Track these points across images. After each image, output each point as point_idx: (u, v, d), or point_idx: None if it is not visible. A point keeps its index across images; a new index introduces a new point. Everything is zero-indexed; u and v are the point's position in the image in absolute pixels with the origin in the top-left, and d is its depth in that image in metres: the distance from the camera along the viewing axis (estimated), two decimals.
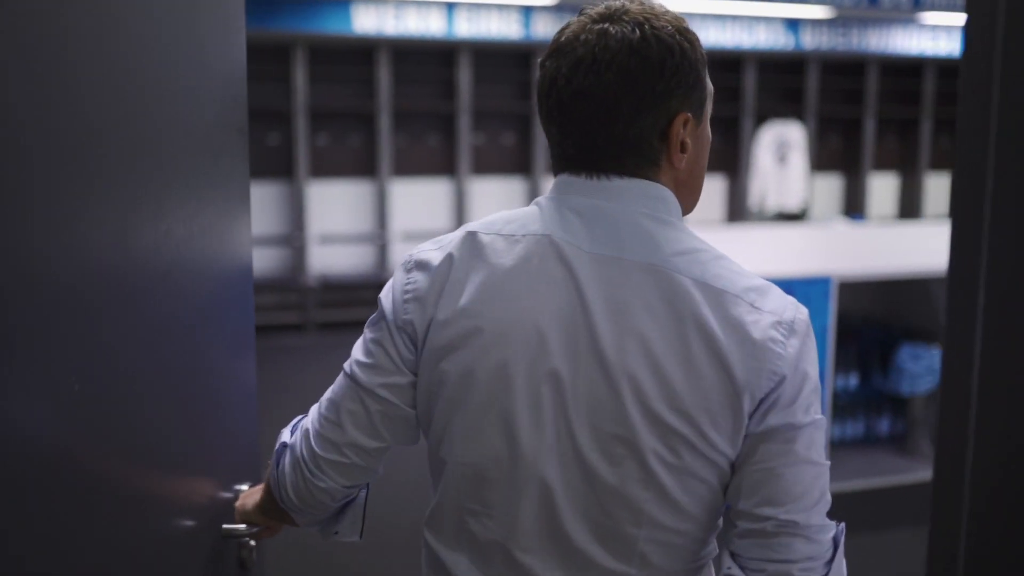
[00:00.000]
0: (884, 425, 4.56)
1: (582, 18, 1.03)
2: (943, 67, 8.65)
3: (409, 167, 7.48)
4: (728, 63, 7.99)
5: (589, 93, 0.99)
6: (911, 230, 6.16)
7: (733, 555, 1.03)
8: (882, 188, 8.90)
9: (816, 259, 4.48)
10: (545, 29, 7.14)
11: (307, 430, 1.13)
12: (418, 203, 7.49)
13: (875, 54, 8.18)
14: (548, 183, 1.51)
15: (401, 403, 1.08)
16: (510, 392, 1.00)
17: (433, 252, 1.07)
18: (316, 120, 7.16)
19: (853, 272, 3.99)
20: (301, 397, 1.49)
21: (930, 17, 7.59)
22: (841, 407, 4.38)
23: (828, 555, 1.01)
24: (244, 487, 1.33)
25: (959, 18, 7.59)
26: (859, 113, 8.48)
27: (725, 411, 0.97)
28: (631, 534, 1.00)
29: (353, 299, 7.13)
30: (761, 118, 8.08)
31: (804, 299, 3.88)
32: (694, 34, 1.04)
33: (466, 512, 1.05)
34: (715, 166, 8.28)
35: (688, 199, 1.09)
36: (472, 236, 1.05)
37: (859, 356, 4.49)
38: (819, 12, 7.29)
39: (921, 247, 4.97)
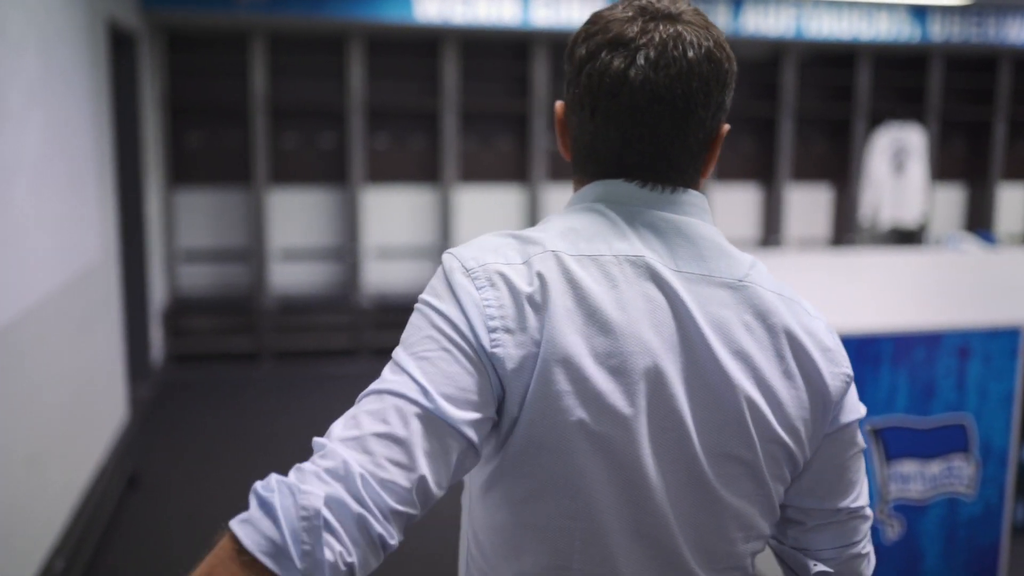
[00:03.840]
0: None
1: (628, 10, 0.99)
2: None
3: (477, 172, 6.75)
4: (839, 58, 7.10)
5: (670, 99, 0.96)
6: None
7: (803, 550, 1.07)
8: (1012, 201, 7.90)
9: (993, 300, 3.54)
10: None
11: (360, 476, 0.81)
12: (486, 212, 6.76)
13: (1010, 47, 7.15)
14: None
15: (481, 446, 0.91)
16: (633, 440, 0.92)
17: (509, 268, 0.94)
18: (374, 119, 6.49)
19: None
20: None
21: None
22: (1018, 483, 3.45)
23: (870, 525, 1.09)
24: None
25: None
26: (988, 115, 7.51)
27: (818, 418, 0.99)
28: (741, 552, 1.01)
29: None
30: (876, 120, 7.19)
31: (983, 356, 2.94)
32: None
33: (562, 571, 0.96)
34: (821, 174, 7.39)
35: None
36: (558, 258, 0.94)
37: None
38: None
39: None
